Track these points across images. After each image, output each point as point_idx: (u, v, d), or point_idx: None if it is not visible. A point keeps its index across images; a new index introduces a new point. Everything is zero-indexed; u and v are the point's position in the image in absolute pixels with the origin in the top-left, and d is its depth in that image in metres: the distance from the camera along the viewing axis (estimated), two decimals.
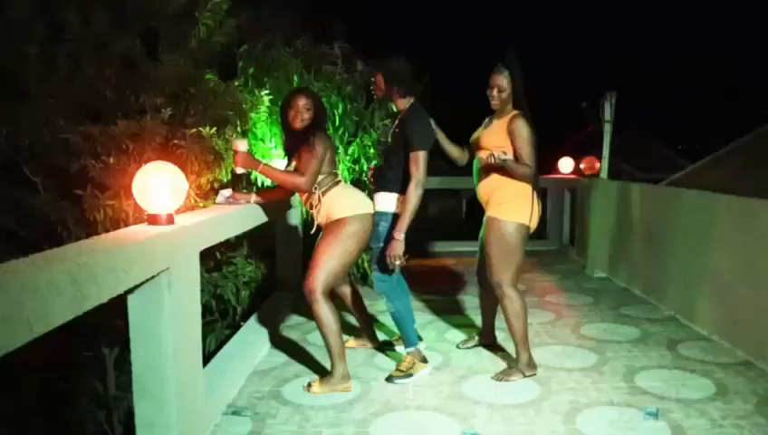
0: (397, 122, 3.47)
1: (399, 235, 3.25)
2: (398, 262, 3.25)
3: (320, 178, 3.30)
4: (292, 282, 5.04)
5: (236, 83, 4.30)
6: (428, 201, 9.83)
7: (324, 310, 3.21)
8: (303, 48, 5.35)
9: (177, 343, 2.54)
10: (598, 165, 6.44)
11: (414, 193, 3.25)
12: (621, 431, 2.81)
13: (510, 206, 3.33)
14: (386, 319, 4.47)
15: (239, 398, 3.23)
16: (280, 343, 4.10)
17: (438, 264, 6.79)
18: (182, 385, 2.59)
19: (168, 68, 3.65)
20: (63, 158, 3.38)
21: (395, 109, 3.57)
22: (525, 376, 3.43)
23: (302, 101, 3.25)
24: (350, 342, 3.95)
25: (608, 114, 5.94)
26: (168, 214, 2.57)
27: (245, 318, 4.44)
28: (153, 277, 2.38)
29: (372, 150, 5.42)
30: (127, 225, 3.24)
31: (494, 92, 3.39)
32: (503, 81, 3.35)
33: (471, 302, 5.00)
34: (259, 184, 4.59)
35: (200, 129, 3.67)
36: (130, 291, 2.35)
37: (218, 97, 3.93)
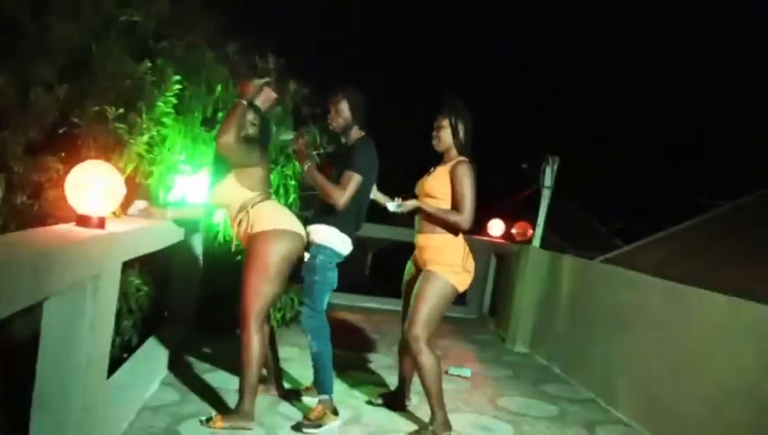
0: (343, 153, 4.05)
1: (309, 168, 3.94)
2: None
3: (251, 195, 3.77)
4: (184, 316, 5.32)
5: (147, 64, 4.56)
6: None
7: (255, 341, 3.68)
8: (233, 56, 5.75)
9: (92, 357, 2.85)
10: (531, 231, 7.16)
11: (333, 193, 3.84)
12: None
13: (453, 267, 3.94)
14: (291, 367, 4.86)
15: (130, 432, 3.51)
16: (172, 380, 4.39)
17: (344, 317, 7.23)
18: (87, 404, 2.89)
19: (60, 36, 3.87)
20: None
21: (344, 141, 4.15)
22: None
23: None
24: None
25: (548, 179, 6.68)
26: (101, 217, 2.91)
27: (125, 352, 4.67)
28: (79, 283, 2.70)
29: (293, 183, 5.84)
30: None
31: (434, 132, 4.06)
32: (443, 121, 4.02)
33: (381, 360, 5.49)
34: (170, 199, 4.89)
35: (106, 107, 3.92)
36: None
37: (122, 76, 4.17)
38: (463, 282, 4.01)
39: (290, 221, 3.87)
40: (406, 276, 4.28)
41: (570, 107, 17.43)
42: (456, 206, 3.92)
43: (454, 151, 4.02)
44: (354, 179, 3.86)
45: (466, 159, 3.97)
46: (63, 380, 2.77)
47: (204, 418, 3.71)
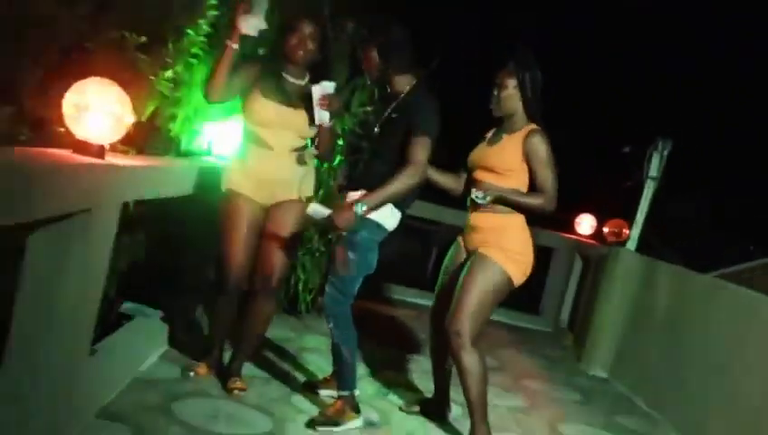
0: (394, 106, 3.98)
1: (361, 208, 3.72)
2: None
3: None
4: (196, 285, 5.40)
5: None
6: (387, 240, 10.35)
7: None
8: None
9: (76, 308, 2.97)
10: (627, 231, 7.08)
11: (404, 178, 3.74)
12: None
13: (513, 253, 3.94)
14: (316, 357, 4.97)
15: (117, 403, 3.65)
16: (174, 356, 4.51)
17: (391, 312, 7.33)
18: (65, 363, 3.02)
19: None
20: None
21: (390, 90, 4.10)
22: None
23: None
24: (202, 368, 4.29)
25: (654, 169, 6.58)
26: (100, 145, 3.02)
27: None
28: (69, 216, 2.81)
29: (341, 142, 5.90)
30: None
31: (494, 92, 4.01)
32: (507, 79, 3.96)
33: (423, 363, 5.52)
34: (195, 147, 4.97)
35: (126, 34, 4.06)
36: (34, 227, 2.77)
37: None
38: (522, 273, 4.00)
39: None
40: (448, 261, 4.28)
41: (698, 82, 16.95)
42: (536, 185, 3.93)
43: (521, 117, 3.99)
44: (425, 143, 3.79)
45: (540, 128, 3.95)
46: (42, 329, 2.88)
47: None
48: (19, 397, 2.85)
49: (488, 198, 3.85)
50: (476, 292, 3.88)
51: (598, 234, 8.08)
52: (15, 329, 2.83)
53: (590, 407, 5.55)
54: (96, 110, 2.98)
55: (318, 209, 3.80)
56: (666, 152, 6.58)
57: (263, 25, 3.83)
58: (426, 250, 14.91)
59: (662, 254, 7.69)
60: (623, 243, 7.01)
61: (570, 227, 8.39)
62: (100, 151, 3.01)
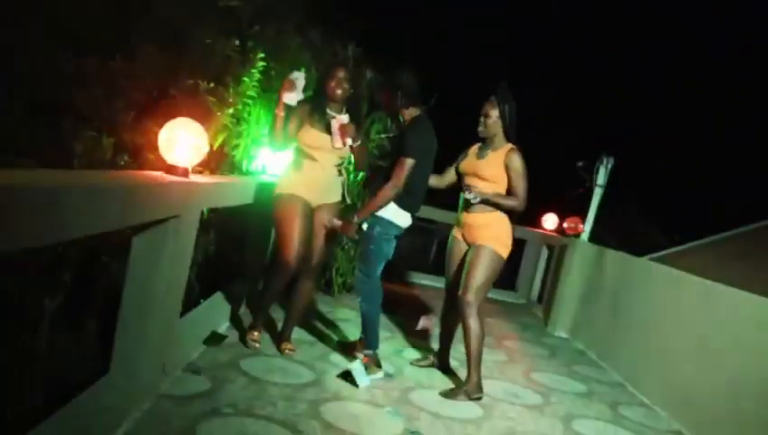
0: (401, 133, 4.10)
1: (356, 219, 3.92)
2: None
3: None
4: (254, 275, 5.44)
5: (235, 42, 4.73)
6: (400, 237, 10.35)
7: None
8: (316, 42, 5.85)
9: (168, 289, 3.03)
10: (582, 226, 7.08)
11: (387, 193, 3.88)
12: None
13: (503, 241, 4.07)
14: (348, 326, 5.01)
15: (197, 361, 3.70)
16: (238, 325, 4.56)
17: (404, 290, 7.35)
18: (163, 330, 3.08)
19: (162, 15, 4.06)
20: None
21: (402, 120, 4.13)
22: (471, 398, 3.98)
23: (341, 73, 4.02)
24: (256, 334, 4.24)
25: (600, 178, 6.60)
26: (185, 168, 3.07)
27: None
28: (163, 221, 2.87)
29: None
30: (103, 162, 3.67)
31: (481, 119, 4.10)
32: (491, 110, 4.05)
33: (432, 329, 5.55)
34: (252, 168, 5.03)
35: (198, 81, 4.10)
36: (137, 230, 2.84)
37: (215, 53, 4.35)
38: (508, 253, 4.13)
39: None
40: (451, 251, 4.31)
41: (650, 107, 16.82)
42: (511, 191, 4.01)
43: (501, 138, 4.07)
44: (405, 165, 3.85)
45: (516, 147, 4.04)
46: (145, 306, 2.94)
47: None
48: (130, 353, 2.92)
49: (478, 198, 3.97)
50: (481, 272, 4.00)
51: (559, 228, 8.07)
52: (124, 306, 2.91)
53: (555, 359, 5.56)
54: (182, 142, 3.03)
55: (333, 220, 4.05)
56: (609, 165, 6.60)
57: (300, 97, 3.96)
58: (428, 244, 14.94)
59: (608, 243, 7.64)
60: (579, 235, 7.01)
61: (538, 224, 8.39)
62: (184, 172, 3.06)
